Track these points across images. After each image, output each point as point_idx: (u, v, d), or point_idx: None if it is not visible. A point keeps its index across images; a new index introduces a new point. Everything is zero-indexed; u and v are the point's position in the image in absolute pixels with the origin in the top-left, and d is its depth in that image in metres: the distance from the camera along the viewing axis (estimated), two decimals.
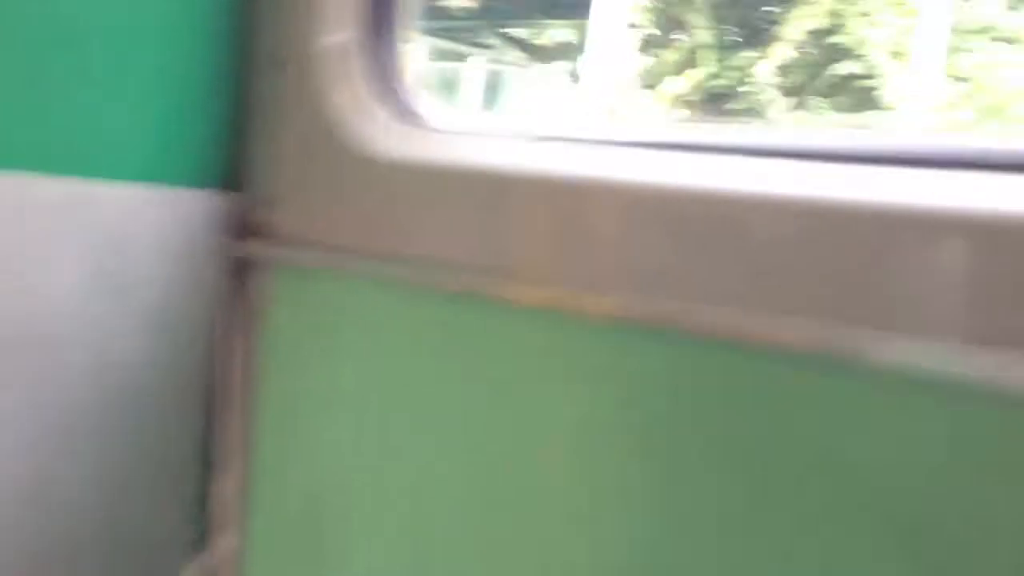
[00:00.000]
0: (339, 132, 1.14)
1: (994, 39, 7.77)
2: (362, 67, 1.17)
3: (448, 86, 10.66)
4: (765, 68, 14.09)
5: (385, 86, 1.19)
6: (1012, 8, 8.74)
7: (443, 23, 10.97)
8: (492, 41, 13.34)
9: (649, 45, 16.06)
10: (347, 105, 1.15)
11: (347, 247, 1.14)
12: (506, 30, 12.09)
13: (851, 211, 0.79)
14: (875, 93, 12.07)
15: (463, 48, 11.18)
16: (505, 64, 11.19)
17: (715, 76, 14.84)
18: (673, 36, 15.93)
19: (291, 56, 1.18)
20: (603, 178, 0.96)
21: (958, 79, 7.41)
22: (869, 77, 12.24)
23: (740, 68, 14.54)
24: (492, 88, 10.98)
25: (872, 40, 12.03)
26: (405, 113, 1.18)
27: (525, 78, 10.01)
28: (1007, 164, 0.79)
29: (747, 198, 0.85)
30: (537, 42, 13.90)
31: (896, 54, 11.38)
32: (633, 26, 11.15)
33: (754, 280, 0.82)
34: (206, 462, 1.21)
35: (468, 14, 9.62)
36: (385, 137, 1.13)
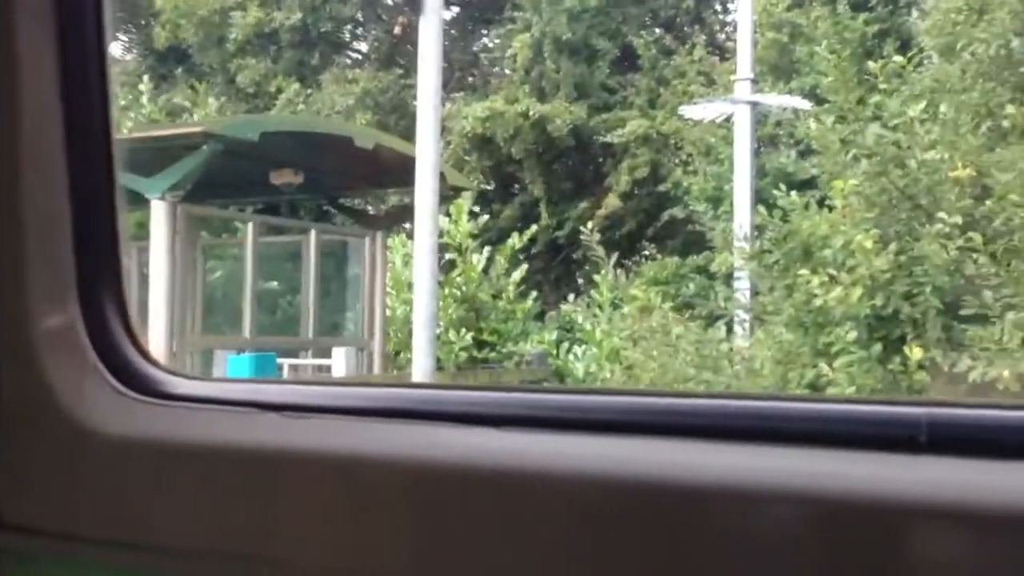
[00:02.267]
0: (62, 409, 1.05)
1: (790, 184, 8.28)
2: (85, 343, 1.08)
3: (291, 257, 10.59)
4: (598, 217, 14.64)
5: (115, 358, 1.10)
6: (803, 156, 9.39)
7: (272, 198, 10.97)
8: (327, 211, 13.38)
9: (486, 202, 16.48)
10: (70, 381, 1.06)
11: (80, 535, 1.04)
12: (341, 200, 12.20)
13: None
14: (699, 236, 12.63)
15: (297, 222, 11.18)
16: (344, 234, 11.22)
17: (551, 228, 15.32)
18: (509, 192, 16.44)
19: (5, 344, 1.08)
20: (377, 454, 0.91)
21: (762, 224, 7.77)
22: (692, 222, 12.84)
23: (575, 219, 15.05)
24: (335, 257, 10.96)
25: (692, 187, 12.70)
26: (141, 384, 1.09)
27: (363, 246, 10.05)
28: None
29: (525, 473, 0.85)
30: (371, 210, 14.07)
31: (712, 199, 12.01)
32: (460, 189, 11.45)
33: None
34: None
35: (297, 189, 9.67)
36: (114, 412, 1.04)
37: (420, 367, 5.96)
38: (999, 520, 0.70)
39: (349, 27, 18.31)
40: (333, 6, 16.42)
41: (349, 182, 10.43)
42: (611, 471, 0.84)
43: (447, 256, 13.30)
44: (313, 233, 9.22)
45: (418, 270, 6.13)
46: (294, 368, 8.71)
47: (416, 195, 6.22)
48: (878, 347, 6.14)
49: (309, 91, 16.00)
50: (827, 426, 0.82)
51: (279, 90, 16.15)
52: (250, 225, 8.61)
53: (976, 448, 0.74)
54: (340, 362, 7.88)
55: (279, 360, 8.64)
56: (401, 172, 8.44)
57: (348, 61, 18.57)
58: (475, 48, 18.35)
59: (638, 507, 0.81)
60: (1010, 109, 6.73)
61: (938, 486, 0.73)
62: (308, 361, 8.96)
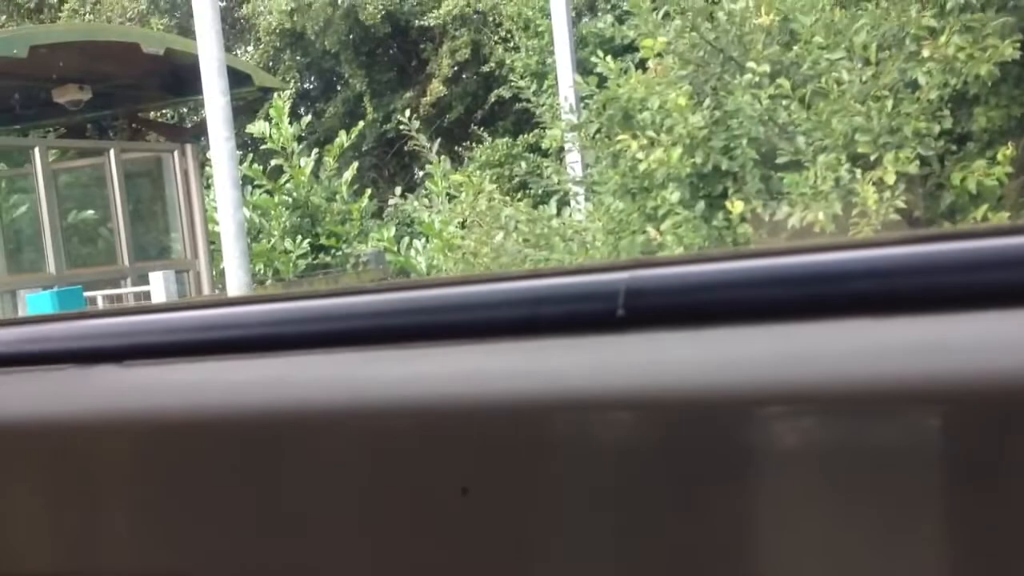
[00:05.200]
0: None
1: (611, 51, 8.10)
2: None
3: (103, 182, 9.86)
4: (424, 105, 14.21)
5: None
6: (621, 21, 9.20)
7: (64, 119, 10.11)
8: (138, 129, 12.53)
9: (310, 101, 15.78)
10: None
11: None
12: (146, 115, 11.37)
13: None
14: (530, 114, 12.44)
15: (95, 142, 10.33)
16: (152, 150, 10.47)
17: (379, 122, 14.82)
18: (332, 89, 15.77)
19: None
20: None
21: (588, 95, 7.59)
22: (520, 100, 12.62)
23: (402, 110, 14.62)
24: (149, 176, 10.25)
25: (515, 64, 12.41)
26: None
27: (171, 160, 9.39)
28: None
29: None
30: (188, 124, 13.23)
31: (536, 75, 11.78)
32: (271, 90, 10.81)
33: None
34: None
35: (89, 105, 8.87)
36: None
37: (235, 281, 5.59)
38: (693, 402, 0.55)
39: None
40: None
41: (147, 93, 9.65)
42: (266, 398, 0.65)
43: (273, 162, 12.72)
44: (112, 152, 8.51)
45: (218, 179, 5.69)
46: (110, 299, 8.15)
47: (205, 98, 5.72)
48: (702, 205, 6.13)
49: None
50: (513, 311, 0.63)
51: (62, 1, 14.79)
52: (36, 150, 7.85)
53: (678, 316, 0.58)
54: (159, 287, 7.38)
55: (92, 293, 8.04)
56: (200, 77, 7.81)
57: None
58: None
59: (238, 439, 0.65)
60: None
61: (634, 370, 0.57)
62: (127, 290, 8.39)
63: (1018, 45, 4.79)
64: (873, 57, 5.30)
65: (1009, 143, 4.88)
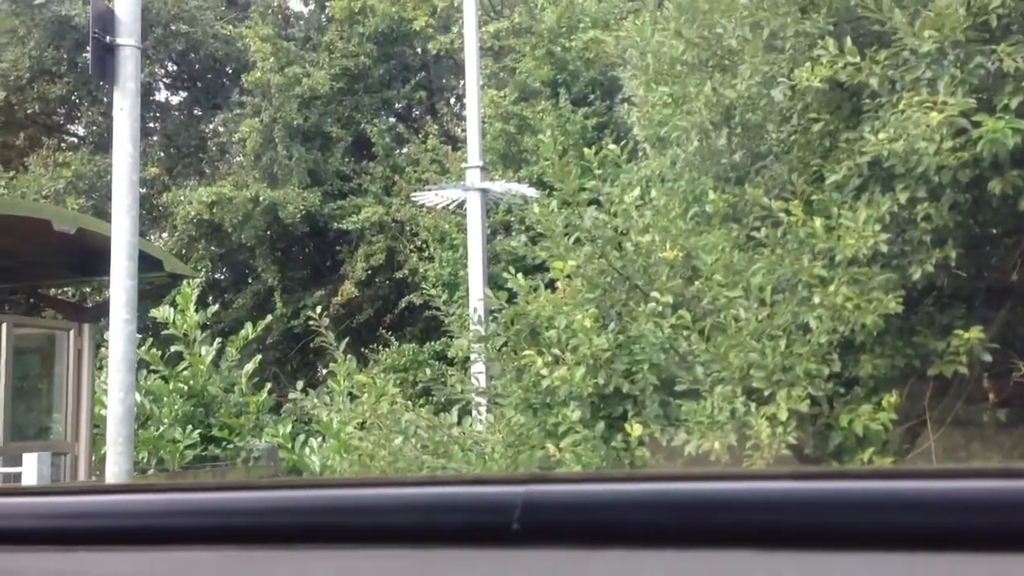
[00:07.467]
0: None
1: (522, 268, 8.36)
2: None
3: None
4: (335, 305, 14.29)
5: None
6: (534, 242, 9.57)
7: None
8: (37, 305, 12.24)
9: (220, 291, 15.71)
10: None
11: None
12: (46, 292, 11.14)
13: None
14: (438, 322, 12.57)
15: None
16: (48, 327, 10.17)
17: (287, 318, 14.79)
18: (243, 280, 15.77)
19: None
20: None
21: (498, 309, 7.74)
22: (430, 308, 12.78)
23: (312, 308, 14.63)
24: (40, 353, 9.90)
25: (428, 273, 12.68)
26: None
27: (66, 339, 9.11)
28: None
29: None
30: (88, 303, 12.98)
31: (448, 285, 12.03)
32: (180, 277, 10.77)
33: None
34: None
35: None
36: None
37: (115, 468, 5.33)
38: None
39: (63, 108, 17.10)
40: (41, 86, 15.25)
41: (52, 270, 9.49)
42: None
43: (174, 348, 12.47)
44: (4, 327, 8.25)
45: (113, 361, 5.55)
46: None
47: (112, 280, 5.66)
48: (601, 425, 6.19)
49: (12, 174, 14.65)
50: (408, 517, 0.62)
51: None
52: None
53: (573, 534, 0.59)
54: (31, 470, 6.98)
55: None
56: (110, 258, 7.74)
57: (63, 144, 17.31)
58: (205, 133, 17.67)
59: None
60: (712, 196, 7.15)
61: None
62: None
63: (900, 300, 5.12)
64: (768, 298, 5.58)
65: (893, 391, 5.12)
